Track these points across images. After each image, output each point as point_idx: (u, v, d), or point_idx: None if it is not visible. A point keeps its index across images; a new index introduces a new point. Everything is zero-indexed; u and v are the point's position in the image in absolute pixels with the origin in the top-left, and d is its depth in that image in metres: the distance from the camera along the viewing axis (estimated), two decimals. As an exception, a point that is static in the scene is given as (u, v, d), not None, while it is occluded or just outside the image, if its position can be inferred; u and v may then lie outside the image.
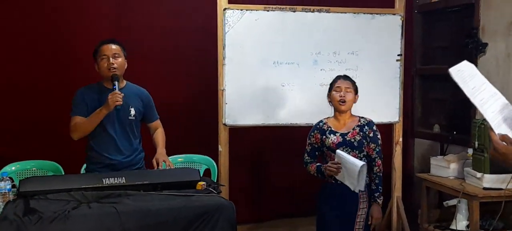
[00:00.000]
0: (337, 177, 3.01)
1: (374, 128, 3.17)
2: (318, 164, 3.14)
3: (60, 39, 4.21)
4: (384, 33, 4.15)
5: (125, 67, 3.20)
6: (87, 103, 3.14)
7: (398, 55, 4.19)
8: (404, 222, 4.27)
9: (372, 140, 3.13)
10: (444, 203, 4.22)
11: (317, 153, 3.21)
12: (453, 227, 4.02)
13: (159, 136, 3.35)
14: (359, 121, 3.16)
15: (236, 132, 4.07)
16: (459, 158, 4.15)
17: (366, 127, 3.13)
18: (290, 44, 3.97)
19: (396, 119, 4.25)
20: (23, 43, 4.13)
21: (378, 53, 4.14)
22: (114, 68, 3.11)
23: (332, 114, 3.22)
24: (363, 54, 4.10)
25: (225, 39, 3.83)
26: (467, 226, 3.92)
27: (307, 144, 3.22)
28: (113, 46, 3.14)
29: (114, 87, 3.05)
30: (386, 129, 4.33)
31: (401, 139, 4.31)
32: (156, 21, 4.44)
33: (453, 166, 4.08)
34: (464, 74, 1.93)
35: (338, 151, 3.00)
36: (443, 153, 4.62)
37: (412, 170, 5.16)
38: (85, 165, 3.35)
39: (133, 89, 3.27)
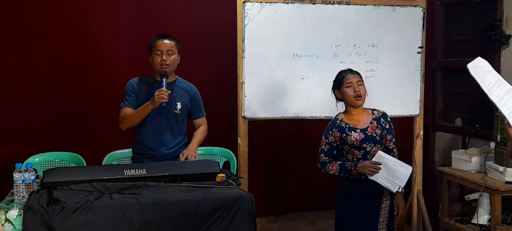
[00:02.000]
0: (371, 177, 2.94)
1: (388, 119, 3.14)
2: (340, 162, 3.04)
3: (82, 36, 4.26)
4: (405, 26, 4.11)
5: (178, 62, 3.28)
6: (137, 95, 3.25)
7: (420, 47, 4.14)
8: (425, 216, 4.23)
9: (388, 131, 3.11)
10: (466, 197, 4.17)
11: (334, 152, 3.09)
12: (474, 221, 3.97)
13: (199, 132, 3.42)
14: (373, 113, 3.11)
15: (255, 125, 4.08)
16: (481, 151, 4.10)
17: (382, 119, 3.10)
18: (310, 36, 3.96)
19: (417, 112, 4.21)
20: (47, 41, 4.19)
21: (399, 46, 4.10)
22: (166, 65, 3.20)
23: (343, 110, 3.15)
24: (383, 47, 4.07)
25: (244, 32, 3.83)
26: (489, 221, 3.88)
27: (324, 143, 3.07)
28: (168, 42, 3.23)
29: (162, 84, 3.14)
30: (407, 122, 4.30)
31: (422, 132, 4.27)
32: (176, 16, 4.46)
33: (475, 160, 4.03)
34: (480, 70, 1.92)
35: (380, 152, 2.98)
36: (464, 147, 4.56)
37: (433, 163, 5.11)
38: (110, 155, 3.46)
39: (182, 84, 3.36)
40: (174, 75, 3.33)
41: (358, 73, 3.10)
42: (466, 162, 4.08)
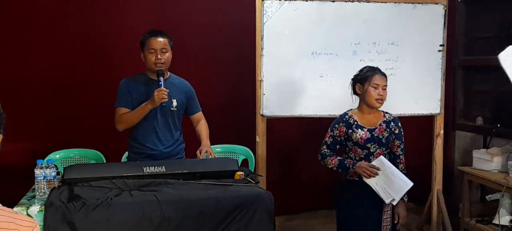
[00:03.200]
0: (366, 180, 2.88)
1: (399, 124, 3.08)
2: (339, 157, 2.98)
3: (101, 34, 4.30)
4: (426, 23, 4.05)
5: (170, 59, 3.22)
6: (131, 95, 3.19)
7: (440, 45, 4.09)
8: (445, 216, 4.18)
9: (397, 137, 3.04)
10: (487, 197, 4.12)
11: (338, 146, 3.05)
12: (495, 221, 3.92)
13: (203, 128, 3.38)
14: (384, 116, 3.04)
15: (274, 123, 4.07)
16: (503, 151, 4.04)
17: (392, 124, 3.03)
18: (329, 34, 3.93)
19: (438, 111, 4.16)
20: (65, 39, 4.23)
21: (419, 44, 4.05)
22: (161, 63, 3.15)
23: (356, 106, 3.07)
24: (403, 45, 4.03)
25: (263, 30, 3.81)
26: (511, 221, 3.82)
27: (328, 135, 3.04)
28: (162, 40, 3.16)
29: (160, 83, 3.08)
30: (427, 121, 4.26)
31: (442, 131, 4.22)
32: (194, 14, 4.47)
33: (497, 159, 3.98)
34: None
35: (382, 158, 2.91)
36: (486, 146, 4.50)
37: (453, 163, 5.05)
38: (126, 153, 3.41)
39: (176, 81, 3.31)
40: (167, 73, 3.26)
41: (386, 76, 3.01)
42: (488, 161, 4.02)
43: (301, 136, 4.88)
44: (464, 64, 4.99)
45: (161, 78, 3.10)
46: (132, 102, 3.18)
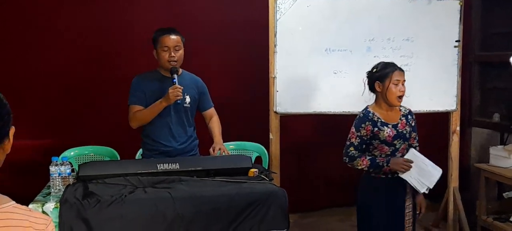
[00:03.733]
0: (402, 175, 2.87)
1: (414, 116, 3.07)
2: (369, 157, 2.91)
3: (115, 30, 4.31)
4: (441, 19, 4.00)
5: (183, 56, 3.21)
6: (145, 92, 3.19)
7: (456, 41, 4.04)
8: (461, 214, 4.14)
9: (413, 129, 3.04)
10: (504, 194, 4.07)
11: (364, 146, 2.96)
12: (513, 219, 3.87)
13: (215, 124, 3.37)
14: (400, 110, 3.02)
15: (287, 120, 4.05)
16: (520, 148, 3.98)
17: (409, 116, 3.02)
18: (343, 30, 3.90)
19: (454, 107, 4.11)
20: (80, 35, 4.25)
21: (434, 40, 4.00)
22: (175, 61, 3.15)
23: (373, 102, 3.01)
24: (419, 41, 3.98)
25: (276, 26, 3.80)
26: (529, 219, 3.76)
27: (355, 136, 2.92)
28: (175, 38, 3.16)
29: (174, 81, 3.08)
30: (443, 117, 4.21)
31: (458, 128, 4.17)
32: (206, 10, 4.47)
33: (515, 156, 3.92)
34: None
35: (412, 150, 2.93)
36: (503, 143, 4.43)
37: (469, 160, 4.98)
38: (141, 150, 3.41)
39: (188, 77, 3.31)
40: (180, 69, 3.25)
41: (404, 71, 2.97)
42: (505, 158, 3.97)
43: (315, 133, 4.86)
44: (480, 60, 4.92)
45: (175, 76, 3.10)
46: (146, 100, 3.18)
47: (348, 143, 2.97)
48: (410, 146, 3.02)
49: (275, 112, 3.87)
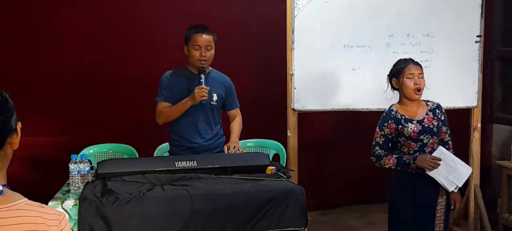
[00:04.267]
0: (429, 173, 2.85)
1: (443, 110, 3.03)
2: (396, 156, 2.92)
3: (131, 28, 4.33)
4: (462, 14, 3.94)
5: (213, 56, 3.23)
6: (173, 89, 3.22)
7: (478, 36, 3.97)
8: (483, 212, 4.07)
9: (444, 123, 3.00)
10: (527, 192, 3.99)
11: (390, 144, 2.97)
12: (536, 218, 3.79)
13: (235, 124, 3.39)
14: (427, 104, 2.99)
15: (305, 117, 4.03)
16: (543, 145, 3.90)
17: (437, 111, 2.98)
18: (361, 26, 3.86)
19: (475, 104, 4.04)
20: (97, 34, 4.28)
21: (455, 35, 3.94)
22: (205, 60, 3.17)
23: (396, 100, 3.03)
24: (439, 36, 3.92)
25: (294, 23, 3.77)
26: (553, 218, 3.69)
27: (379, 135, 2.94)
28: (207, 37, 3.17)
29: (200, 81, 3.11)
30: (464, 114, 4.14)
31: (479, 125, 4.10)
32: (224, 7, 4.46)
33: (537, 154, 3.85)
34: None
35: (441, 148, 2.90)
36: (525, 140, 4.36)
37: (491, 157, 4.90)
38: (163, 146, 3.43)
39: (216, 75, 3.33)
40: (209, 67, 3.28)
41: (420, 65, 2.97)
42: (528, 155, 3.89)
43: (333, 130, 4.83)
44: (502, 55, 4.84)
45: (202, 76, 3.13)
46: (173, 96, 3.22)
47: (373, 142, 2.99)
48: (442, 140, 2.99)
49: (293, 109, 3.85)
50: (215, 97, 3.24)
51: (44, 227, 1.29)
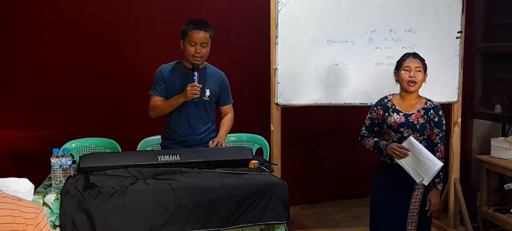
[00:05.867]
0: (397, 161, 2.92)
1: (440, 112, 3.05)
2: (375, 139, 3.07)
3: (119, 22, 4.30)
4: (443, 10, 4.00)
5: (208, 52, 3.22)
6: (166, 83, 3.22)
7: (458, 32, 4.02)
8: (462, 205, 4.14)
9: (436, 125, 3.02)
10: (505, 186, 4.06)
11: (376, 128, 3.13)
12: (514, 211, 3.87)
13: (226, 121, 3.39)
14: (426, 103, 3.04)
15: (288, 111, 4.05)
16: (522, 139, 3.97)
17: (431, 111, 3.02)
18: (344, 22, 3.89)
19: (455, 99, 4.10)
20: (83, 27, 4.25)
21: (436, 31, 4.00)
22: (199, 57, 3.16)
23: (398, 92, 3.10)
24: (420, 32, 3.97)
25: (278, 18, 3.79)
26: (530, 211, 3.76)
27: (367, 117, 3.15)
28: (204, 35, 3.16)
29: (193, 78, 3.11)
30: (445, 109, 4.18)
31: (460, 119, 4.17)
32: (209, 2, 4.45)
33: (516, 148, 3.92)
34: None
35: (411, 138, 2.92)
36: (504, 134, 4.42)
37: (471, 151, 4.98)
38: (145, 141, 3.45)
39: (211, 71, 3.33)
40: (203, 62, 3.29)
41: (420, 59, 3.04)
42: (506, 150, 3.97)
43: (317, 124, 4.86)
44: (483, 51, 4.90)
45: (196, 73, 3.12)
46: (167, 91, 3.22)
47: (363, 123, 3.17)
48: (431, 141, 3.01)
49: (276, 104, 3.86)
50: (208, 92, 3.23)
51: (21, 220, 1.28)
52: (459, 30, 4.02)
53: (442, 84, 4.05)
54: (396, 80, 3.11)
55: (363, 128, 3.16)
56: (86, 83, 4.28)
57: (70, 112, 4.26)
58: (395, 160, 2.94)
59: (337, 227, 4.52)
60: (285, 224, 2.79)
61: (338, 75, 3.91)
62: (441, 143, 3.04)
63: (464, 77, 4.15)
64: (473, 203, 4.39)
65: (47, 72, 4.21)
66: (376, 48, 3.89)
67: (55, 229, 2.53)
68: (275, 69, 3.83)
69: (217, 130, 3.38)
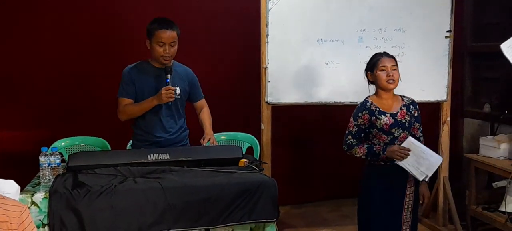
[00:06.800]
0: (398, 162, 2.90)
1: (417, 106, 3.09)
2: (367, 145, 2.97)
3: (106, 19, 4.28)
4: (433, 9, 4.01)
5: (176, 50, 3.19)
6: (135, 84, 3.16)
7: (448, 31, 4.05)
8: (451, 204, 4.17)
9: (417, 120, 3.05)
10: (494, 184, 4.09)
11: (362, 134, 3.03)
12: (502, 209, 3.90)
13: (206, 116, 3.37)
14: (403, 100, 3.05)
15: (279, 110, 4.06)
16: (510, 138, 4.01)
17: (411, 106, 3.04)
18: (334, 21, 3.90)
19: (444, 98, 4.12)
20: (71, 25, 4.23)
21: (426, 30, 4.02)
22: (168, 57, 3.11)
23: (373, 93, 3.08)
24: (410, 31, 3.99)
25: (268, 17, 3.79)
26: (518, 209, 3.80)
27: (353, 125, 3.00)
28: (171, 33, 3.10)
29: (167, 81, 3.06)
30: (434, 108, 4.23)
31: (449, 119, 4.19)
32: (199, 1, 4.45)
33: (504, 146, 3.95)
34: None
35: (411, 138, 2.93)
36: (493, 133, 4.46)
37: (461, 150, 5.01)
38: (131, 141, 3.41)
39: (179, 68, 3.28)
40: (171, 60, 3.22)
41: (393, 58, 3.04)
42: (495, 148, 3.99)
43: (308, 123, 4.86)
44: (472, 50, 4.94)
45: (169, 76, 3.08)
46: (136, 92, 3.16)
47: (346, 131, 3.04)
48: (413, 136, 3.02)
49: (267, 102, 3.87)
50: (178, 90, 3.14)
51: (5, 218, 1.28)
52: (448, 29, 4.04)
53: (432, 84, 4.07)
54: (369, 82, 3.08)
55: (349, 137, 3.01)
56: (76, 82, 4.26)
57: (60, 112, 4.24)
58: (396, 162, 2.90)
59: (327, 226, 4.53)
60: (275, 223, 2.79)
61: (328, 74, 3.92)
62: (422, 136, 3.08)
63: (453, 77, 4.18)
64: (462, 201, 4.42)
65: (37, 70, 4.18)
66: (366, 47, 3.90)
67: (44, 228, 2.52)
68: (265, 68, 3.83)
69: (188, 126, 3.36)
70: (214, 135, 3.35)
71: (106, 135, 3.87)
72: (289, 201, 4.81)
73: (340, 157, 4.81)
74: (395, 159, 2.91)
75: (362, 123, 2.99)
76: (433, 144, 4.34)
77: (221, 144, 3.85)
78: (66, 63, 4.24)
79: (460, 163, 4.92)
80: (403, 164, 2.90)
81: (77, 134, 3.86)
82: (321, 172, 4.99)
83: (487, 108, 4.75)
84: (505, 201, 3.87)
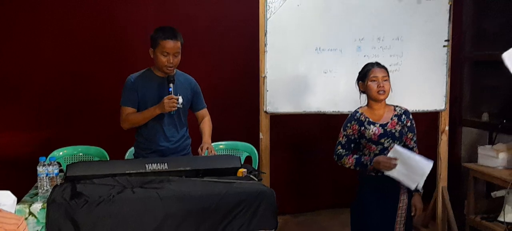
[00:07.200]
0: (387, 173, 2.87)
1: (411, 116, 3.07)
2: (356, 156, 2.98)
3: (106, 27, 4.28)
4: (431, 18, 4.02)
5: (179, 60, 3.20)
6: (137, 93, 3.17)
7: (446, 40, 4.05)
8: (450, 213, 4.16)
9: (410, 129, 3.04)
10: (492, 193, 4.08)
11: (352, 145, 3.04)
12: (501, 219, 3.89)
13: (206, 125, 3.38)
14: (395, 110, 3.05)
15: (278, 119, 4.06)
16: (508, 147, 4.00)
17: (403, 116, 3.03)
18: (333, 30, 3.90)
19: (443, 107, 4.13)
20: (71, 32, 4.22)
21: (424, 39, 4.03)
22: (171, 67, 3.12)
23: (365, 104, 3.08)
24: (408, 40, 4.00)
25: (266, 26, 3.79)
26: (517, 218, 3.79)
27: (342, 135, 3.03)
28: (176, 44, 3.10)
29: (170, 90, 3.07)
30: (432, 117, 4.23)
31: (447, 128, 4.19)
32: (198, 9, 4.45)
33: (502, 156, 3.95)
34: None
35: (396, 146, 2.89)
36: (491, 142, 4.46)
37: (460, 159, 5.01)
38: (133, 149, 3.40)
39: (181, 78, 3.29)
40: (174, 70, 3.23)
41: (385, 68, 3.04)
42: (493, 158, 3.99)
43: (306, 132, 4.86)
44: (471, 59, 4.95)
45: (171, 85, 3.09)
46: (138, 101, 3.17)
47: (337, 142, 3.06)
48: (406, 146, 3.01)
49: (265, 112, 3.86)
50: (181, 99, 3.15)
51: None
52: (446, 38, 4.05)
53: (430, 93, 4.08)
54: (361, 91, 3.08)
55: (338, 147, 3.03)
56: (75, 90, 4.26)
57: (58, 119, 4.23)
58: (385, 172, 2.88)
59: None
60: (273, 232, 2.79)
61: (326, 83, 3.92)
62: (416, 146, 3.06)
63: (452, 85, 4.18)
64: (461, 210, 4.41)
65: (35, 78, 4.18)
66: (365, 56, 3.91)
67: (42, 238, 2.51)
68: (264, 77, 3.83)
69: (190, 136, 3.36)
70: (213, 144, 3.36)
71: (105, 144, 3.85)
72: (288, 210, 4.80)
73: (338, 166, 4.82)
74: (382, 170, 2.89)
75: (351, 133, 3.01)
76: (431, 153, 4.35)
77: (220, 153, 3.85)
78: (65, 71, 4.23)
79: (459, 172, 4.91)
80: (392, 174, 2.86)
81: (76, 137, 3.87)
82: (320, 181, 4.99)
83: (485, 117, 4.76)
84: (503, 210, 3.86)
